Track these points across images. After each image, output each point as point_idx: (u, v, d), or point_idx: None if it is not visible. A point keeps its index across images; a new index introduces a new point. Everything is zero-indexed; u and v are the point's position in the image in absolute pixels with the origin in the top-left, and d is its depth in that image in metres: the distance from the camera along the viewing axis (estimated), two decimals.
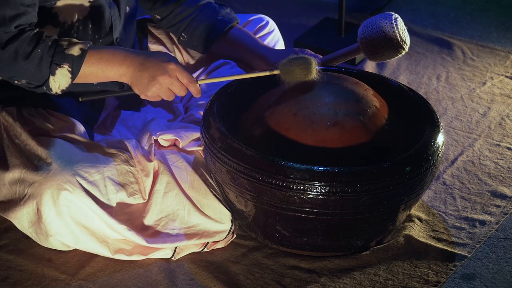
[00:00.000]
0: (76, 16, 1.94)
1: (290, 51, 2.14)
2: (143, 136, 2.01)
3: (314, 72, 1.88)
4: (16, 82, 1.85)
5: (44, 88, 1.86)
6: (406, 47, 2.02)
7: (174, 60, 1.89)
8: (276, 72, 1.91)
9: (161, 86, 1.87)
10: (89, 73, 1.87)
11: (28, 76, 1.83)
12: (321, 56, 2.10)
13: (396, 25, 1.99)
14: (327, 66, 2.10)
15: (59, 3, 1.91)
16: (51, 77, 1.84)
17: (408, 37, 2.03)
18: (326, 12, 3.13)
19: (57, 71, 1.84)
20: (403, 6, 3.22)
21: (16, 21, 1.80)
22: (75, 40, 1.86)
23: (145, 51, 1.94)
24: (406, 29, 2.03)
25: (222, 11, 2.21)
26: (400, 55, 2.03)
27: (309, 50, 2.13)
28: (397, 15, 2.01)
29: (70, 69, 1.84)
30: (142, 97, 1.90)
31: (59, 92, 1.88)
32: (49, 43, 1.83)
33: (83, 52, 1.85)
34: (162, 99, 1.91)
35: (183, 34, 2.22)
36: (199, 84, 1.91)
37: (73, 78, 1.86)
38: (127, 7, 2.07)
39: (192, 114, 2.12)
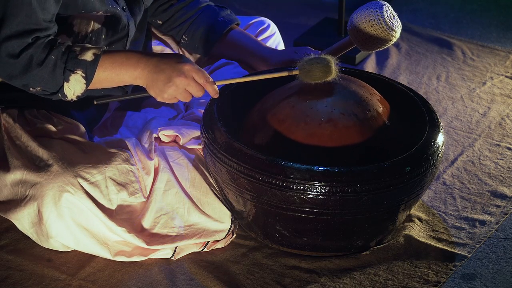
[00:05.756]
0: (91, 27, 1.93)
1: (291, 50, 2.14)
2: (143, 134, 2.01)
3: (334, 72, 1.88)
4: (31, 89, 1.83)
5: (59, 95, 1.84)
6: (396, 34, 1.99)
7: (189, 61, 1.86)
8: (295, 72, 1.91)
9: (178, 88, 1.84)
10: (103, 78, 1.85)
11: (42, 83, 1.82)
12: (320, 52, 2.09)
13: (382, 12, 1.96)
14: None
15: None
16: (65, 84, 1.83)
17: (399, 23, 2.00)
18: (326, 12, 3.13)
19: (71, 78, 1.82)
20: (403, 6, 3.22)
21: (35, 34, 1.78)
22: (88, 45, 1.84)
23: (158, 53, 1.92)
24: (395, 16, 2.00)
25: (221, 13, 2.21)
26: (391, 43, 2.01)
27: (310, 47, 2.12)
28: (385, 2, 1.99)
29: (84, 74, 1.82)
30: (159, 99, 1.87)
31: (74, 98, 1.86)
32: (62, 49, 1.81)
33: (96, 57, 1.82)
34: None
35: (183, 37, 2.21)
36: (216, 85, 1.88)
37: (87, 84, 1.84)
38: (139, 19, 2.06)
39: (193, 112, 2.11)
